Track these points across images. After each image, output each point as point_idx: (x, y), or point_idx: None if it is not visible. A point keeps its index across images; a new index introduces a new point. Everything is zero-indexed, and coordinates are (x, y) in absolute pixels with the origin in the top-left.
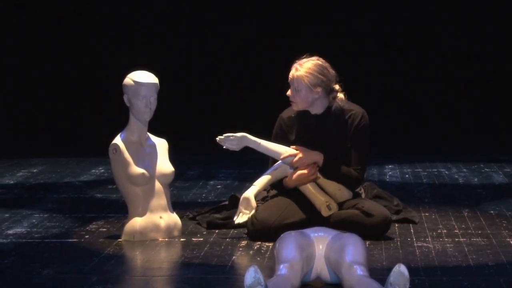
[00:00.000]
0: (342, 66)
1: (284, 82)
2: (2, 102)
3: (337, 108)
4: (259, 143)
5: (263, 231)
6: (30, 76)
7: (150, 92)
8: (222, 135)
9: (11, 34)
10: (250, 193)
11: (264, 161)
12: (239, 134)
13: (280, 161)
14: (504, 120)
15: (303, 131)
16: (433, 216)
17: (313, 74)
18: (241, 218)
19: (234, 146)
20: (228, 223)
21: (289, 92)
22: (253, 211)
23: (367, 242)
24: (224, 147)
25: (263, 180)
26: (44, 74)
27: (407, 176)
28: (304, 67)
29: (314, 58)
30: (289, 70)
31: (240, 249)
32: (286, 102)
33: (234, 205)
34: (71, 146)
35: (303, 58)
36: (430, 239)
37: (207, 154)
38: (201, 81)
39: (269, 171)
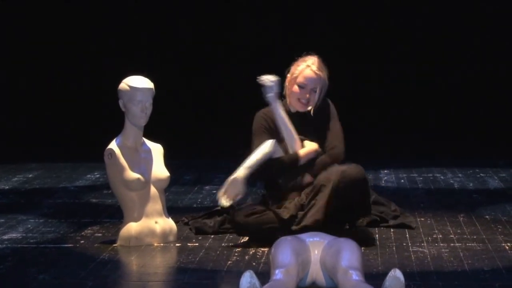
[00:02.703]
0: (337, 71)
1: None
2: None
3: (318, 105)
4: (280, 112)
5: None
6: (25, 82)
7: (145, 97)
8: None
9: (8, 39)
10: (241, 175)
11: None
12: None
13: (269, 142)
14: (499, 125)
15: (300, 130)
16: (429, 221)
17: (326, 74)
18: (225, 201)
19: (271, 92)
20: (216, 231)
21: (302, 92)
22: (240, 196)
23: (363, 248)
24: (263, 85)
25: (252, 162)
26: (40, 79)
27: (402, 181)
28: (320, 67)
29: (315, 56)
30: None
31: (236, 254)
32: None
33: (225, 210)
34: (67, 151)
35: (306, 56)
36: (425, 244)
37: (203, 159)
38: (197, 86)
39: (257, 152)
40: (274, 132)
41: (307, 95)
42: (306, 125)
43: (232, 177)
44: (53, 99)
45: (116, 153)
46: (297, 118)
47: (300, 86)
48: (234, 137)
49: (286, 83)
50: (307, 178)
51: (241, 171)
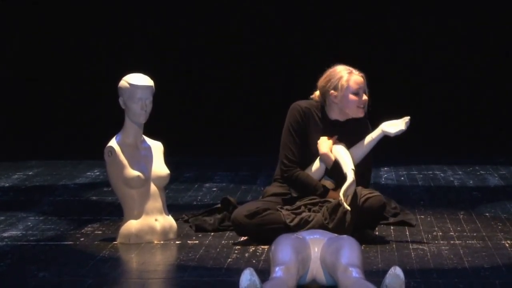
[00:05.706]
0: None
1: (275, 85)
2: None
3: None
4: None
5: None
6: (25, 79)
7: (145, 94)
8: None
9: (8, 36)
10: (354, 177)
11: (258, 164)
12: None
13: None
14: (499, 122)
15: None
16: (429, 219)
17: None
18: (348, 205)
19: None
20: (216, 228)
21: (359, 98)
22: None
23: (363, 245)
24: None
25: (351, 163)
26: (39, 77)
27: (402, 178)
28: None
29: (341, 64)
30: (310, 78)
31: (236, 251)
32: (281, 109)
33: (226, 208)
34: (67, 149)
35: (335, 67)
36: (425, 242)
37: (203, 156)
38: (197, 84)
39: (346, 154)
40: (307, 129)
41: (364, 98)
42: (341, 134)
43: (350, 180)
44: (54, 96)
45: (116, 151)
46: (334, 127)
47: (355, 94)
48: (234, 135)
49: (331, 96)
50: (328, 184)
51: (352, 173)
